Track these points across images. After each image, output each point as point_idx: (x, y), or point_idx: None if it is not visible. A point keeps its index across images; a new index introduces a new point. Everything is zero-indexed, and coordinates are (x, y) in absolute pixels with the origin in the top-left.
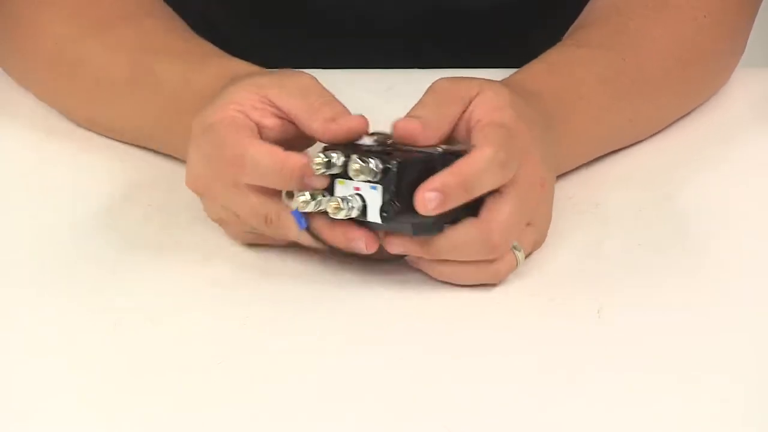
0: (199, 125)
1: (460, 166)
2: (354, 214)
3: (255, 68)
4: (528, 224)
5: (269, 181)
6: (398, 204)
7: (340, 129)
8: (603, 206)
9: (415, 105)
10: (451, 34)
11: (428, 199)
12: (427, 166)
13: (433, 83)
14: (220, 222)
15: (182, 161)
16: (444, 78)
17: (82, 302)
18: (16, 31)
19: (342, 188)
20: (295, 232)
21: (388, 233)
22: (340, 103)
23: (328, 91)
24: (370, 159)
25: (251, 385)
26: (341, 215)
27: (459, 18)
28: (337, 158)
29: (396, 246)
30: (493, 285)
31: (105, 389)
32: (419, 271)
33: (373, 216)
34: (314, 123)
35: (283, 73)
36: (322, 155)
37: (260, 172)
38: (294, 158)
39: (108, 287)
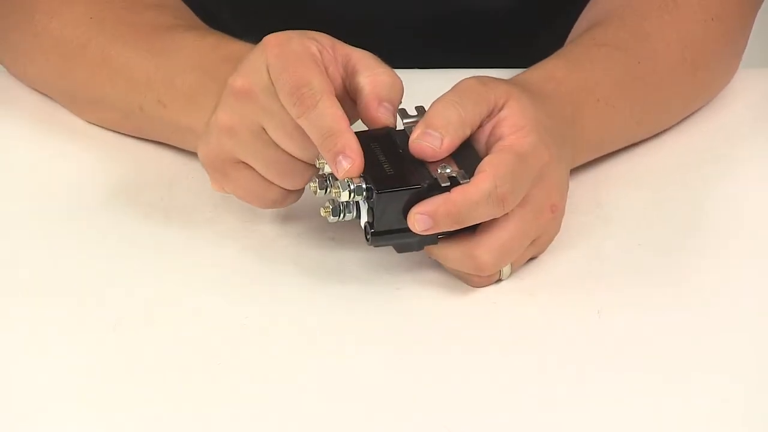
0: (277, 42)
1: (454, 195)
2: (348, 218)
3: None
4: (530, 243)
5: (314, 137)
6: (373, 228)
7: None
8: (604, 206)
9: (443, 101)
10: (452, 35)
11: (418, 220)
12: (412, 198)
13: (461, 82)
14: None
15: (182, 152)
16: (472, 78)
17: (82, 302)
18: (31, 14)
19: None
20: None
21: None
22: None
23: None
24: (343, 190)
25: (251, 385)
26: (331, 219)
27: (460, 19)
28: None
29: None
30: (492, 284)
31: (105, 389)
32: (419, 272)
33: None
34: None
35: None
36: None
37: (315, 126)
38: (346, 136)
39: (108, 287)
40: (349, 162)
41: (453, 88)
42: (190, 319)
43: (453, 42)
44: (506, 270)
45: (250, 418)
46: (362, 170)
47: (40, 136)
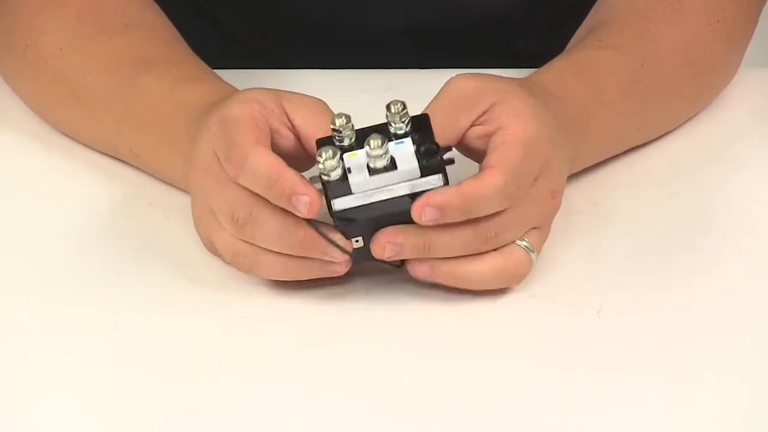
0: (217, 117)
1: (466, 188)
2: (383, 163)
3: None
4: (535, 228)
5: (260, 190)
6: (436, 146)
7: None
8: (603, 206)
9: (431, 106)
10: (445, 37)
11: (425, 212)
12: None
13: (450, 81)
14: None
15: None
16: (462, 76)
17: (82, 303)
18: (12, 38)
19: (353, 159)
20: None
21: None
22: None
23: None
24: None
25: (251, 386)
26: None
27: (453, 21)
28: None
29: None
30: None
31: (105, 390)
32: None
33: (405, 168)
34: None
35: (299, 93)
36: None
37: (254, 179)
38: (288, 175)
39: (108, 287)
40: (306, 198)
41: (444, 90)
42: (190, 319)
43: (447, 44)
44: (534, 256)
45: (250, 418)
46: (319, 202)
47: (40, 138)
